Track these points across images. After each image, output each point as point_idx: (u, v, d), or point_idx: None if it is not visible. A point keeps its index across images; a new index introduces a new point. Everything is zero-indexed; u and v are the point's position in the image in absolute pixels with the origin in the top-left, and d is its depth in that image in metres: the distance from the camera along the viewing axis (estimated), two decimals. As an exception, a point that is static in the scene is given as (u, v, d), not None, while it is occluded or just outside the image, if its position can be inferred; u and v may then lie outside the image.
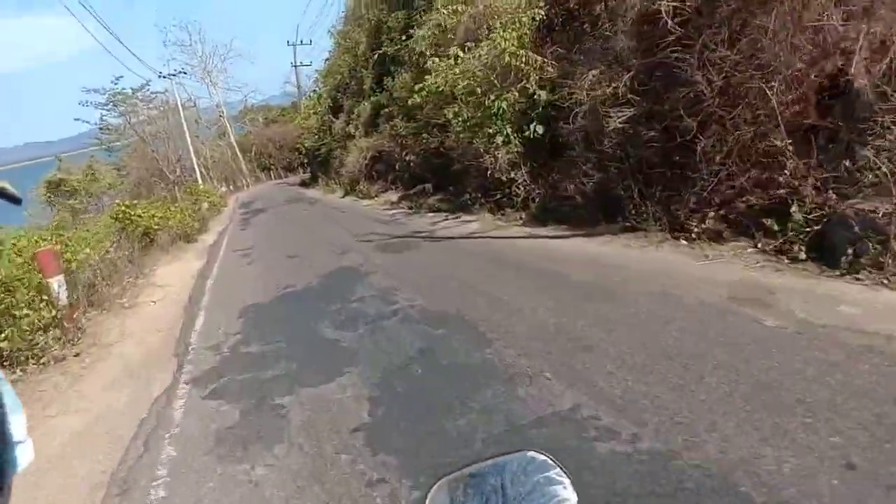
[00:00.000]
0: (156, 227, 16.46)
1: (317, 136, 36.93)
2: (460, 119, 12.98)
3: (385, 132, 22.75)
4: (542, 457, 0.87)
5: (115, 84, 47.30)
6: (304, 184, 42.92)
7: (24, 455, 0.33)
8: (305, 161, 63.47)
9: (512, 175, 10.82)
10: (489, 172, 11.13)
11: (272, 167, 60.36)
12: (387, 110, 21.96)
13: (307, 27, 48.52)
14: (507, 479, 0.84)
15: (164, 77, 44.42)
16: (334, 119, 34.72)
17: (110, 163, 46.26)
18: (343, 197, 25.16)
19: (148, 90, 48.41)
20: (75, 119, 42.41)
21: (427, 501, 0.83)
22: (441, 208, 14.29)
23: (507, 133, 10.68)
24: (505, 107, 10.73)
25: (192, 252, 16.00)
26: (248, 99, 66.71)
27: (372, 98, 25.77)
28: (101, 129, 43.26)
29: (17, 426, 0.32)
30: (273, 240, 15.40)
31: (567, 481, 0.82)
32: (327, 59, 37.07)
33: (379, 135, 23.12)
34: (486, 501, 0.83)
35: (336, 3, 75.56)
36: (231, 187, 47.87)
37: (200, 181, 44.29)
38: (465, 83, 11.92)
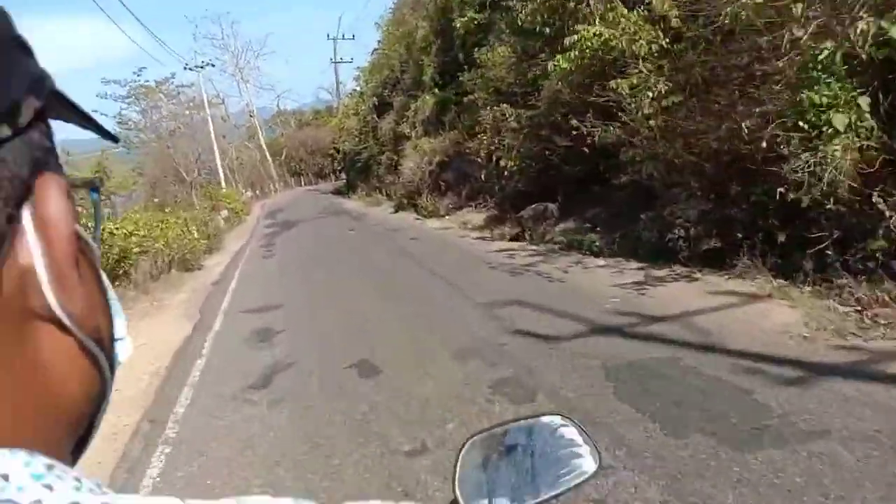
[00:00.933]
0: (135, 249, 10.64)
1: (358, 139, 31.25)
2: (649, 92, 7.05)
3: (459, 129, 16.87)
4: (569, 424, 0.86)
5: (138, 76, 42.21)
6: (338, 192, 37.27)
7: (124, 350, 0.39)
8: (341, 167, 57.99)
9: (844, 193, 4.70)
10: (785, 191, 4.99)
11: (303, 172, 54.94)
12: (465, 99, 16.04)
13: (349, 22, 43.28)
14: (536, 441, 0.85)
15: (191, 69, 39.23)
16: (379, 119, 29.03)
17: (128, 160, 41.10)
18: (395, 212, 19.25)
19: (173, 83, 43.41)
20: (93, 111, 37.18)
21: (459, 457, 0.81)
22: (595, 247, 8.24)
23: (858, 108, 4.60)
24: (837, 57, 4.68)
25: (183, 295, 10.09)
26: (280, 99, 61.42)
27: (436, 91, 19.95)
28: (118, 123, 38.07)
29: (120, 326, 0.38)
30: (314, 289, 8.76)
31: (591, 446, 0.83)
32: (373, 53, 31.43)
33: (447, 134, 17.26)
34: (515, 460, 0.85)
35: None
36: (258, 192, 42.44)
37: (224, 184, 38.92)
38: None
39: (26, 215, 0.30)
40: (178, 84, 43.89)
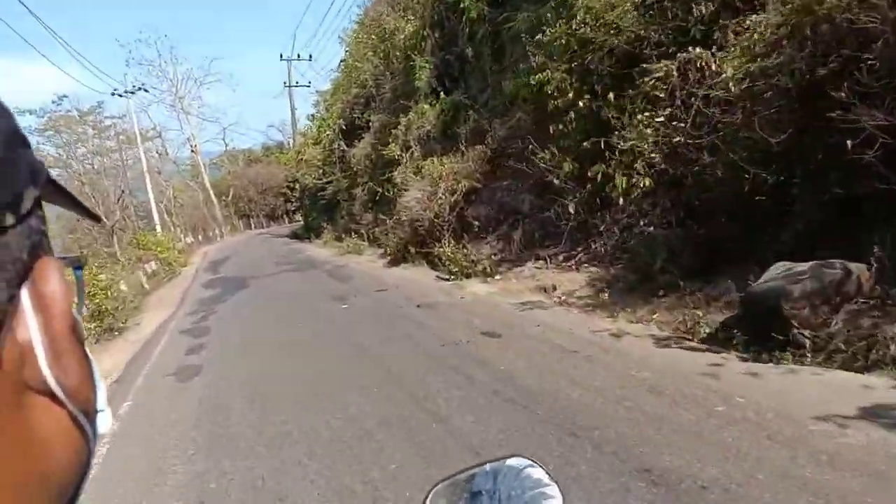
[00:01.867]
0: None
1: (321, 171, 25.18)
2: None
3: (489, 144, 11.21)
4: (535, 465, 0.84)
5: (58, 104, 35.08)
6: (296, 236, 30.88)
7: (104, 423, 0.39)
8: (296, 206, 51.55)
9: None
10: None
11: (252, 214, 48.08)
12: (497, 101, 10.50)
13: (305, 40, 37.40)
14: (501, 488, 0.82)
15: (120, 95, 32.43)
16: (348, 147, 23.20)
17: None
18: (392, 265, 13.18)
19: (101, 114, 36.39)
20: (-6, 144, 29.95)
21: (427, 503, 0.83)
22: None
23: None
24: None
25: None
26: (226, 133, 54.43)
27: (440, 96, 14.31)
28: (27, 157, 30.73)
29: (101, 398, 0.39)
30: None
31: (555, 486, 0.80)
32: (339, 67, 25.70)
33: (471, 153, 11.54)
34: None
35: (346, 4, 64.27)
36: (200, 237, 35.43)
37: (159, 229, 31.88)
38: None
39: (25, 294, 0.31)
40: (108, 115, 36.95)
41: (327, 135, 24.37)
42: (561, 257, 8.33)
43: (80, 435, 0.34)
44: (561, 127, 8.27)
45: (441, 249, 10.33)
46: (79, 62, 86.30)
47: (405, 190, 13.18)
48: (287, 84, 32.67)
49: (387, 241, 14.26)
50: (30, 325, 0.31)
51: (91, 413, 0.36)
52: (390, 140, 16.44)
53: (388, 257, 13.81)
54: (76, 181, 27.29)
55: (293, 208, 50.98)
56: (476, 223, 10.41)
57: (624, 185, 7.13)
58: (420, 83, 15.66)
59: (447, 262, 9.93)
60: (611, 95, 7.47)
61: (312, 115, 28.68)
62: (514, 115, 11.22)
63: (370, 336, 6.69)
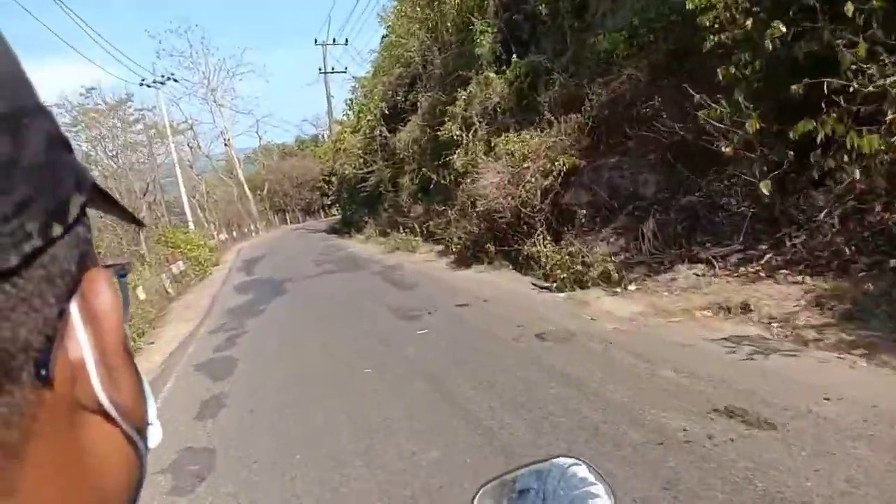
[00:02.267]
0: None
1: (362, 160, 22.82)
2: None
3: (589, 112, 8.57)
4: (581, 464, 0.81)
5: (86, 98, 33.59)
6: (335, 231, 28.70)
7: (154, 436, 0.38)
8: (333, 200, 49.50)
9: None
10: None
11: (288, 209, 46.23)
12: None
13: (338, 26, 34.70)
14: (548, 486, 0.79)
15: (149, 86, 30.70)
16: (391, 133, 20.79)
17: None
18: (459, 267, 10.63)
19: (130, 106, 34.81)
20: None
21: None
22: None
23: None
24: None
25: None
26: (259, 125, 52.48)
27: (514, 60, 11.69)
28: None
29: (151, 411, 0.38)
30: None
31: (605, 488, 0.76)
32: (380, 46, 23.26)
33: (566, 123, 8.91)
34: None
35: None
36: (234, 234, 33.59)
37: (192, 225, 30.10)
38: None
39: (74, 309, 0.29)
40: (138, 108, 35.39)
41: (368, 121, 21.98)
42: (734, 259, 5.66)
43: (133, 453, 0.33)
44: (733, 71, 5.58)
45: (535, 248, 7.75)
46: (105, 51, 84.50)
47: (472, 174, 10.63)
48: (322, 70, 30.47)
49: (447, 236, 11.74)
50: (81, 342, 0.29)
51: (144, 430, 0.34)
52: (446, 119, 13.90)
53: (452, 256, 11.29)
54: (101, 176, 25.46)
55: (329, 202, 49.03)
56: (582, 212, 7.79)
57: (864, 147, 4.45)
58: (482, 50, 13.07)
59: (546, 265, 7.34)
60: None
61: (350, 100, 26.35)
62: (617, 74, 8.55)
63: (502, 413, 3.86)
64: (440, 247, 12.80)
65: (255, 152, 50.91)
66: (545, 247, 7.61)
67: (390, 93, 21.15)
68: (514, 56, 11.73)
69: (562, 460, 0.83)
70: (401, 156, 19.11)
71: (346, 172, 24.30)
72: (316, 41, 29.93)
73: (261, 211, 41.23)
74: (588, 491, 0.76)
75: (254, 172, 47.02)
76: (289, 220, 44.80)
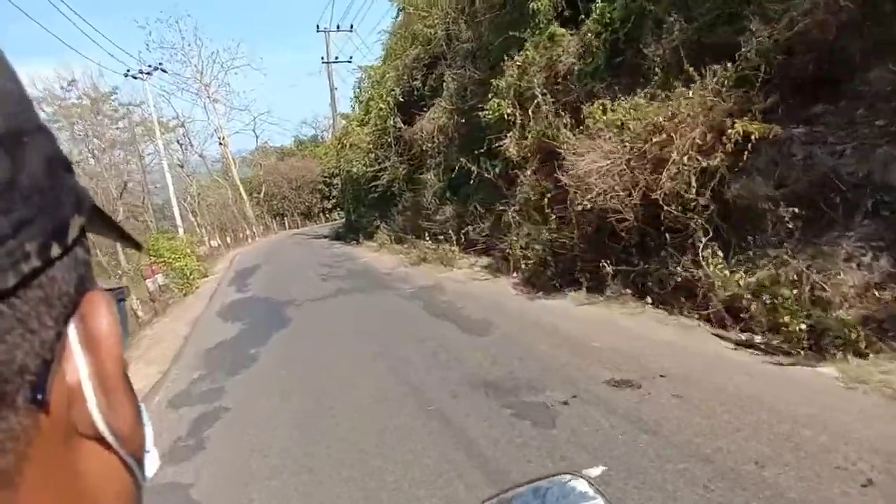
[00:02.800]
0: None
1: (371, 155, 19.64)
2: None
3: (745, 62, 5.41)
4: (581, 480, 0.79)
5: (67, 90, 30.39)
6: (339, 237, 25.52)
7: (151, 463, 0.38)
8: (336, 203, 46.18)
9: None
10: None
11: (287, 212, 42.99)
12: None
13: (342, 11, 30.80)
14: (547, 501, 0.78)
15: (134, 77, 27.48)
16: (405, 125, 17.76)
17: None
18: (533, 292, 7.38)
19: (115, 101, 31.60)
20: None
21: None
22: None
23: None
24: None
25: None
26: (256, 123, 48.91)
27: (604, 7, 8.54)
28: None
29: (148, 438, 0.38)
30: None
31: (600, 498, 0.76)
32: (394, 24, 20.09)
33: (701, 81, 5.82)
34: None
35: None
36: (229, 239, 30.33)
37: (181, 230, 26.93)
38: None
39: (72, 332, 0.29)
40: (124, 102, 32.16)
41: (379, 109, 18.82)
42: None
43: (131, 480, 0.32)
44: None
45: (699, 271, 4.58)
46: (90, 38, 79.57)
47: (544, 161, 7.50)
48: (325, 59, 27.29)
49: (507, 246, 8.58)
50: (79, 366, 0.28)
51: (141, 457, 0.33)
52: (490, 96, 10.78)
53: (516, 275, 8.12)
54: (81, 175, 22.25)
55: (331, 206, 45.81)
56: (785, 211, 4.63)
57: None
58: (540, 3, 9.96)
59: (719, 296, 4.18)
60: None
61: (357, 90, 23.18)
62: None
63: None
64: (484, 259, 9.70)
65: (253, 154, 47.56)
66: (719, 269, 4.45)
67: (405, 78, 18.04)
68: (572, 15, 8.63)
69: (561, 476, 0.80)
70: (421, 148, 15.99)
71: (353, 170, 21.10)
72: (318, 27, 26.83)
73: (258, 215, 38.00)
74: (588, 499, 0.74)
75: (251, 174, 43.78)
76: (287, 225, 41.55)
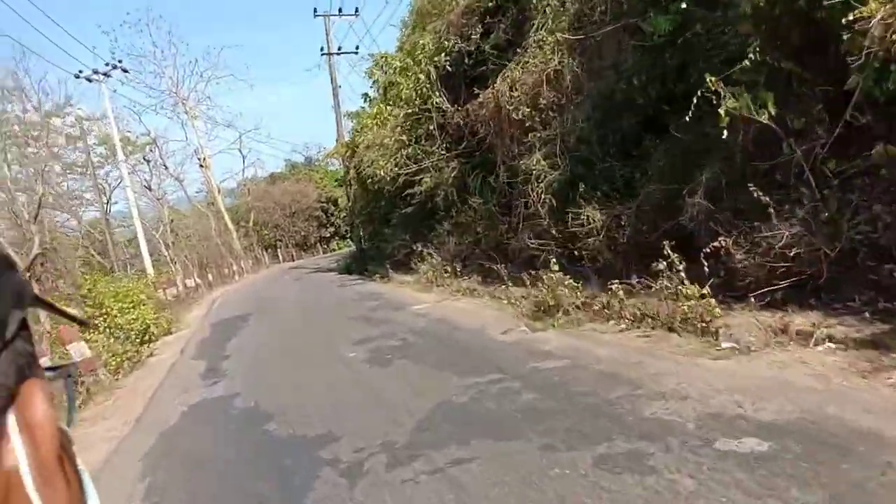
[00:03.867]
0: None
1: (403, 154, 13.57)
2: None
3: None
4: None
5: (5, 102, 24.41)
6: (348, 270, 19.36)
7: None
8: (349, 226, 39.96)
9: None
10: None
11: (279, 243, 36.76)
12: None
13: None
14: None
15: (88, 79, 21.53)
16: (452, 107, 12.01)
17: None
18: None
19: (69, 112, 25.52)
20: None
21: None
22: None
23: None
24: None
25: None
26: (242, 141, 42.67)
27: None
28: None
29: None
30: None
31: None
32: None
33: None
34: None
35: None
36: (211, 276, 24.01)
37: (150, 268, 20.73)
38: None
39: (11, 420, 0.29)
40: (85, 116, 26.09)
41: (416, 83, 12.94)
42: None
43: None
44: None
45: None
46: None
47: None
48: (325, 51, 21.52)
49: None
50: (17, 451, 0.28)
51: None
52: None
53: None
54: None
55: (329, 234, 39.70)
56: None
57: None
58: None
59: None
60: None
61: (373, 82, 17.34)
62: None
63: None
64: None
65: (243, 182, 41.28)
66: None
67: (450, 42, 12.25)
68: None
69: None
70: (484, 136, 10.14)
71: (379, 174, 15.05)
72: (315, 11, 21.09)
73: (246, 247, 31.73)
74: None
75: (238, 201, 37.65)
76: (281, 257, 35.30)
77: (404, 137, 13.17)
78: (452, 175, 12.44)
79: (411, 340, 6.56)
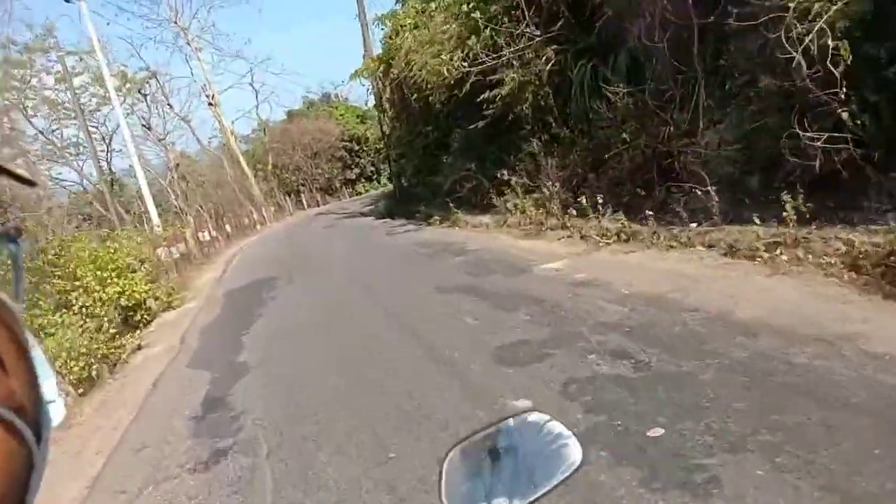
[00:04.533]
0: None
1: (471, 44, 9.53)
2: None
3: None
4: (546, 416, 0.78)
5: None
6: (390, 213, 15.67)
7: (56, 413, 0.35)
8: (361, 173, 36.45)
9: None
10: None
11: (302, 188, 33.13)
12: None
13: None
14: (517, 440, 0.77)
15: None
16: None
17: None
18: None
19: (51, 59, 21.66)
20: None
21: (443, 469, 0.73)
22: None
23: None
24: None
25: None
26: (253, 72, 37.95)
27: None
28: None
29: (49, 389, 0.35)
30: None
31: (573, 439, 0.74)
32: None
33: None
34: (501, 463, 0.76)
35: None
36: (229, 228, 20.66)
37: (156, 220, 17.37)
38: None
39: None
40: (69, 49, 22.20)
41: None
42: None
43: (10, 437, 0.28)
44: None
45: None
46: None
47: None
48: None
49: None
50: None
51: (27, 407, 0.30)
52: None
53: None
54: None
55: (354, 176, 35.87)
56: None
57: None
58: None
59: None
60: None
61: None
62: None
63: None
64: None
65: (259, 123, 37.05)
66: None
67: None
68: None
69: (534, 416, 0.79)
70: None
71: (423, 89, 11.08)
72: None
73: (266, 192, 28.19)
74: (560, 444, 0.73)
75: (255, 143, 33.81)
76: (305, 203, 31.77)
77: (477, 15, 9.10)
78: (549, 68, 8.48)
79: (661, 367, 2.90)
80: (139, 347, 7.15)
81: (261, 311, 6.82)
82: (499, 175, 9.27)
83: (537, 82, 8.81)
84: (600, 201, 6.13)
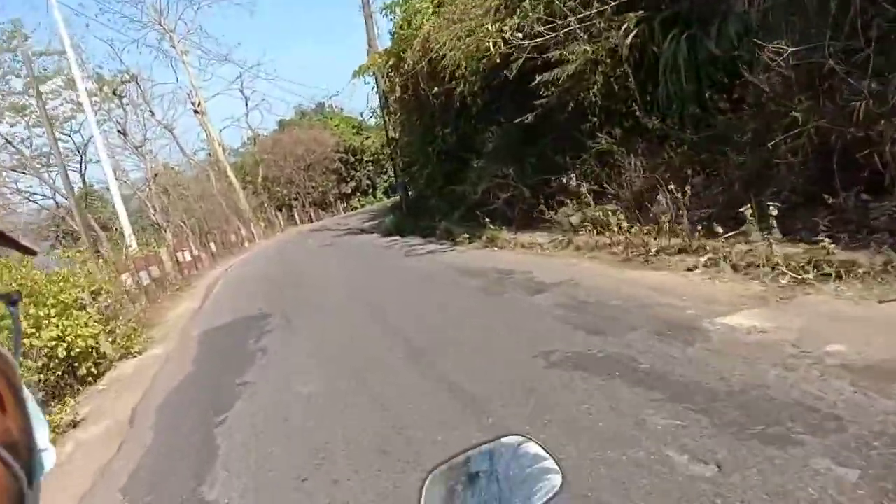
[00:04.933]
0: None
1: (516, 16, 7.49)
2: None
3: None
4: (528, 441, 0.77)
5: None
6: (399, 231, 13.47)
7: (48, 460, 0.37)
8: (357, 187, 34.38)
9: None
10: None
11: (295, 202, 30.85)
12: None
13: None
14: (498, 465, 0.75)
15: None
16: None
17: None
18: None
19: (15, 45, 19.42)
20: None
21: (423, 492, 0.70)
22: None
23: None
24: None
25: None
26: (243, 79, 35.76)
27: None
28: None
29: (42, 437, 0.36)
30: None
31: (553, 463, 0.72)
32: None
33: None
34: (481, 488, 0.74)
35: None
36: (213, 246, 18.32)
37: (130, 239, 15.01)
38: None
39: None
40: (36, 49, 19.98)
41: None
42: None
43: (5, 473, 0.30)
44: None
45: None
46: None
47: None
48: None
49: None
50: None
51: (22, 452, 0.32)
52: None
53: None
54: None
55: (350, 190, 33.66)
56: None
57: None
58: None
59: None
60: None
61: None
62: None
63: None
64: None
65: (249, 134, 34.76)
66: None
67: None
68: None
69: (510, 439, 0.77)
70: None
71: (448, 78, 8.99)
72: None
73: (256, 207, 25.88)
74: (540, 467, 0.72)
75: (244, 153, 31.54)
76: (298, 218, 29.48)
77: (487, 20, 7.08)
78: (629, 41, 6.41)
79: None
80: (74, 425, 4.91)
81: (246, 378, 4.58)
82: (553, 181, 7.15)
83: (608, 60, 6.75)
84: (774, 212, 3.98)
